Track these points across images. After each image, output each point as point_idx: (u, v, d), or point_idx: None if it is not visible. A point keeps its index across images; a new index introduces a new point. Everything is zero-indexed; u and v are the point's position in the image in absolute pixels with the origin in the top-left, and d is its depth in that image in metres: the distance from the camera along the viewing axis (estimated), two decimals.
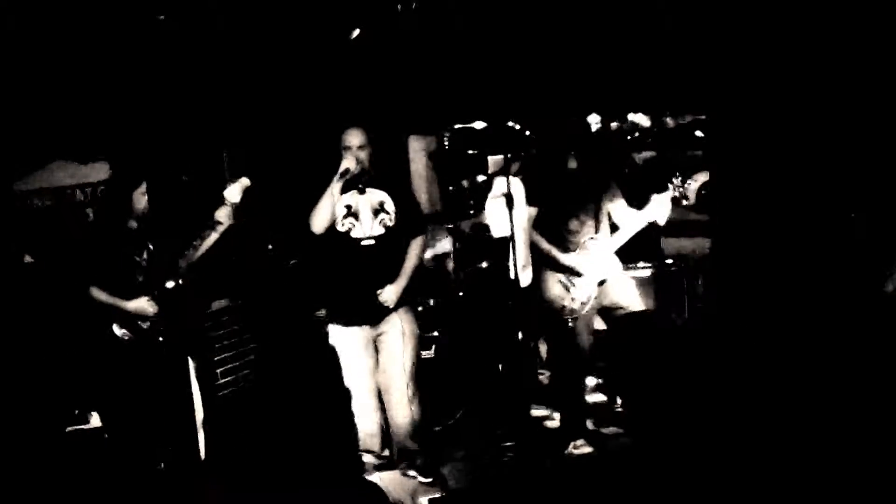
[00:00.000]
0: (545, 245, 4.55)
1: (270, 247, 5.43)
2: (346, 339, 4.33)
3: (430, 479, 4.37)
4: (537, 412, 5.15)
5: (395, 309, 4.29)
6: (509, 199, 4.34)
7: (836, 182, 4.64)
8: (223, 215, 4.20)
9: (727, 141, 5.04)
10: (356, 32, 5.21)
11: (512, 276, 4.83)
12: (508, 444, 4.75)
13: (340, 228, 4.25)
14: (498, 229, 5.44)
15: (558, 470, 4.50)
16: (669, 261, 5.58)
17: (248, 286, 5.61)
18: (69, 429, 4.54)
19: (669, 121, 6.75)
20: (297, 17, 4.93)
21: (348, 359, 4.32)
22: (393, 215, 4.28)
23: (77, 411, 4.59)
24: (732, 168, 4.95)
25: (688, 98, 5.56)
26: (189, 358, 4.27)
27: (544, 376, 5.65)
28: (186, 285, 4.19)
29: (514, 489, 4.31)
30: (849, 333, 4.28)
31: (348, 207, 4.26)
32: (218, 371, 5.42)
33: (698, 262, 5.62)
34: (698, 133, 6.37)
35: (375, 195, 4.29)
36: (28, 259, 4.61)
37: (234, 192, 4.21)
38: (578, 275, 4.52)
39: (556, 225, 4.57)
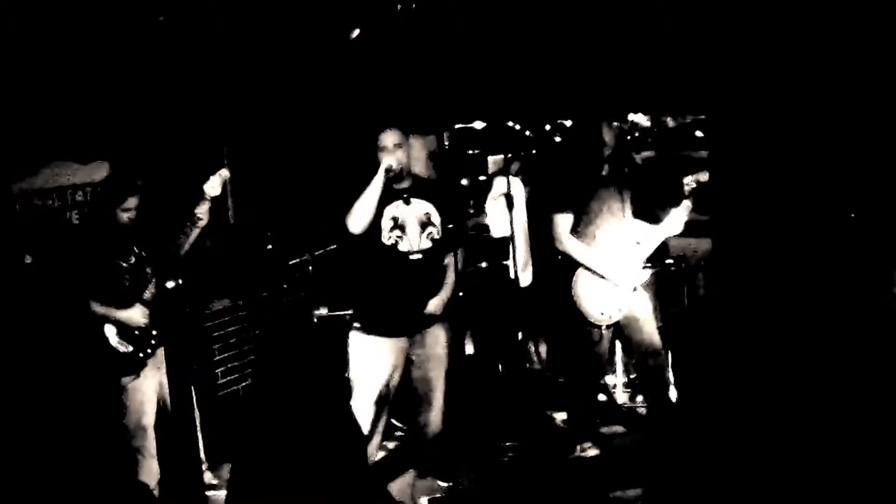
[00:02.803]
0: (586, 256, 4.50)
1: (270, 247, 5.43)
2: (375, 349, 4.13)
3: (449, 483, 4.35)
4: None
5: (437, 322, 4.16)
6: (509, 199, 4.32)
7: (836, 182, 4.64)
8: (203, 211, 4.06)
9: (727, 141, 5.04)
10: (356, 32, 5.21)
11: (512, 276, 4.83)
12: (510, 444, 4.76)
13: (386, 241, 4.05)
14: (498, 229, 5.43)
15: (564, 471, 4.51)
16: (669, 261, 5.59)
17: (248, 286, 5.61)
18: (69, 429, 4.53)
19: (669, 121, 6.75)
20: (297, 16, 4.93)
21: (371, 368, 4.14)
22: (439, 228, 4.11)
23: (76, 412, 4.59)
24: (732, 168, 4.95)
25: (688, 98, 5.56)
26: (188, 359, 4.27)
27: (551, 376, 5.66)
28: (182, 286, 4.14)
29: (518, 490, 4.31)
30: (849, 333, 4.28)
31: (394, 219, 4.06)
32: (218, 371, 5.43)
33: (698, 262, 5.62)
34: (698, 133, 6.37)
35: (421, 206, 4.09)
36: (28, 259, 4.61)
37: (213, 185, 4.05)
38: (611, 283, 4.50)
39: (585, 233, 4.55)
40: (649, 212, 4.68)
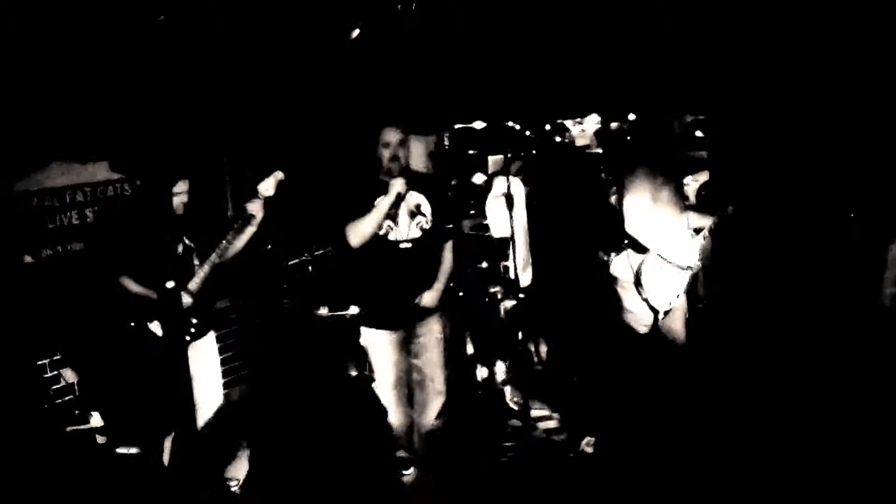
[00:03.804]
0: (652, 237, 4.50)
1: (270, 246, 5.43)
2: (380, 341, 4.31)
3: (451, 477, 4.38)
4: (538, 412, 5.16)
5: (433, 313, 4.31)
6: (509, 199, 4.34)
7: (835, 182, 4.65)
8: (257, 208, 4.17)
9: (727, 141, 5.04)
10: (356, 32, 5.21)
11: (512, 276, 4.84)
12: (509, 443, 4.76)
13: (379, 231, 4.21)
14: (498, 229, 5.43)
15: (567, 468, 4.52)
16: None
17: (248, 286, 5.60)
18: (69, 429, 4.53)
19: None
20: (298, 16, 4.93)
21: (382, 360, 4.32)
22: (429, 217, 4.27)
23: (77, 411, 4.59)
24: (732, 168, 4.95)
25: (688, 98, 5.55)
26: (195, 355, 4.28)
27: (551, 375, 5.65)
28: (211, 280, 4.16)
29: (518, 490, 4.32)
30: (848, 334, 4.28)
31: None
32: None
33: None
34: (698, 133, 6.36)
35: (412, 197, 4.26)
36: (28, 259, 4.61)
37: (268, 186, 4.18)
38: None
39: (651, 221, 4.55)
40: (706, 203, 4.71)
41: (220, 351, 5.45)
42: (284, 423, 4.93)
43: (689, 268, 4.53)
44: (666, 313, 4.61)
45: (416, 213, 4.24)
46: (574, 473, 4.48)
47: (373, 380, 5.06)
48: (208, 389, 4.32)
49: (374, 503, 4.22)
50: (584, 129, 6.45)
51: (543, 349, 5.68)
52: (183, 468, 4.13)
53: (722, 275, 5.14)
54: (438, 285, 4.30)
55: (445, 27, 5.21)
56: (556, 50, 5.33)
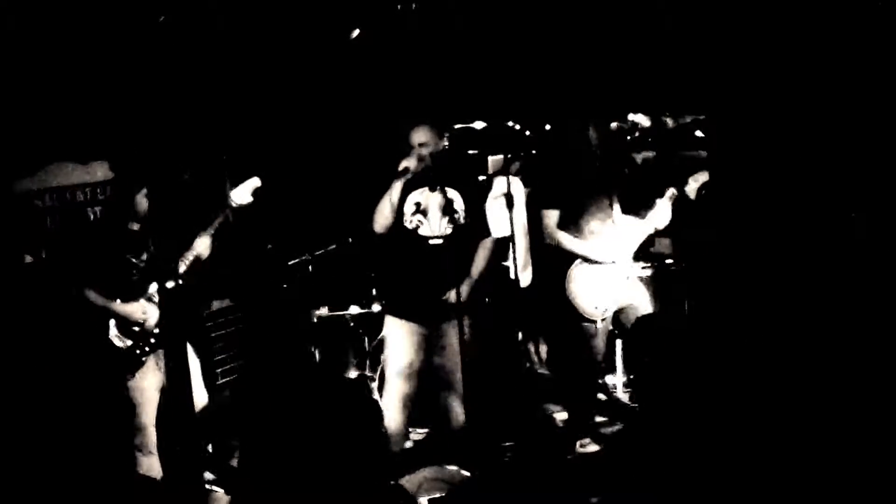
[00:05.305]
0: (577, 245, 4.56)
1: (270, 246, 5.43)
2: (400, 335, 4.29)
3: (471, 472, 4.38)
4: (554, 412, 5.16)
5: (460, 312, 4.22)
6: (509, 199, 4.34)
7: (836, 182, 4.65)
8: (221, 218, 4.11)
9: (727, 141, 5.04)
10: (356, 32, 5.21)
11: (512, 276, 4.84)
12: (509, 444, 4.76)
13: (408, 225, 4.20)
14: (498, 229, 5.43)
15: (563, 468, 4.51)
16: (669, 261, 5.58)
17: (248, 286, 5.61)
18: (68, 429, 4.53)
19: (669, 121, 6.75)
20: (297, 17, 4.93)
21: (398, 354, 4.29)
22: (462, 214, 4.24)
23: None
24: (732, 168, 4.95)
25: (688, 98, 5.56)
26: (189, 359, 4.26)
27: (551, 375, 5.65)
28: (184, 286, 4.10)
29: (519, 486, 4.32)
30: (848, 333, 4.28)
31: (417, 205, 4.22)
32: (218, 371, 5.43)
33: (698, 261, 5.62)
34: (698, 133, 6.36)
35: (446, 193, 4.25)
36: (28, 259, 4.61)
37: (242, 193, 4.11)
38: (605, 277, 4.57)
39: (575, 227, 4.61)
40: (636, 208, 4.76)
41: (220, 351, 5.48)
42: (283, 424, 4.92)
43: (619, 269, 4.57)
44: (604, 319, 4.61)
45: (449, 209, 4.21)
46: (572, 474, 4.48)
47: (373, 380, 5.06)
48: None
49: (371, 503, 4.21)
50: None
51: (543, 349, 5.68)
52: (179, 469, 4.13)
53: (720, 275, 5.14)
54: (469, 282, 4.24)
55: (445, 27, 5.21)
56: (557, 50, 5.33)
